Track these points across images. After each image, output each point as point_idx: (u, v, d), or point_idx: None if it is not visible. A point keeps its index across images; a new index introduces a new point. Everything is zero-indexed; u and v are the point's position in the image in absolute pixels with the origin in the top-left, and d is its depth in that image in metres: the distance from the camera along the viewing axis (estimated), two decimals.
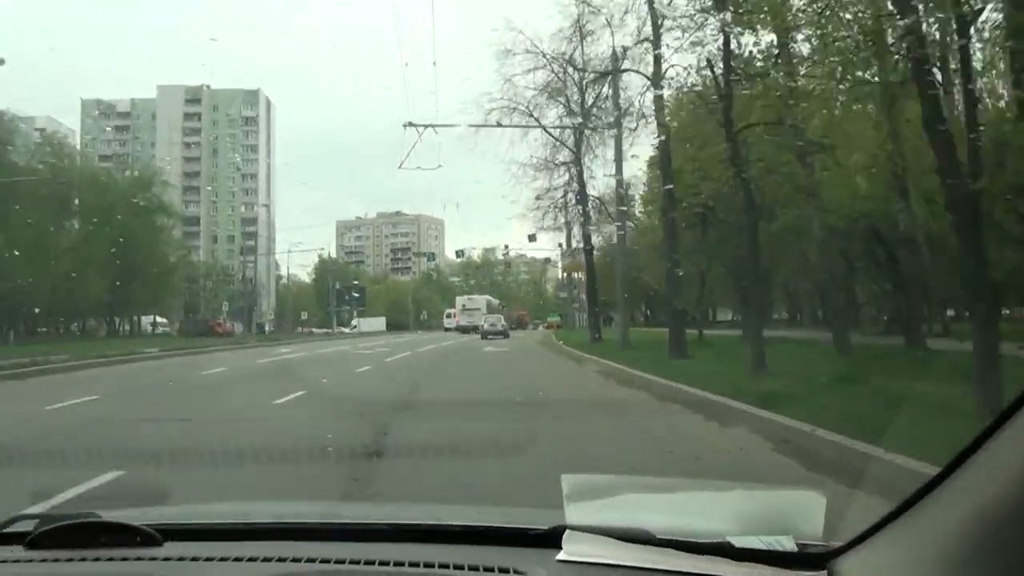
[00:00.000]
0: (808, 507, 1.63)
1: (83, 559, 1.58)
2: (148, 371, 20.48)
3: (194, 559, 1.59)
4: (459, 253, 77.47)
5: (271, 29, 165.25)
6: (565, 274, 67.06)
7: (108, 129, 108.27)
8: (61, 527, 1.65)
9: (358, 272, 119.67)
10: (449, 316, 73.16)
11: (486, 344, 35.48)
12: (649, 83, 18.47)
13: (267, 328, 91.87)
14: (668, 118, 17.78)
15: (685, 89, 14.51)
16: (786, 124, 12.89)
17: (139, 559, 1.59)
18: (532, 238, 46.15)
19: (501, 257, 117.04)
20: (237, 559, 1.58)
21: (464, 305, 68.51)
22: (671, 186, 17.76)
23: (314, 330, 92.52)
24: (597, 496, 1.81)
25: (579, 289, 64.95)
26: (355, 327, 79.20)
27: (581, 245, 34.02)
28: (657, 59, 17.58)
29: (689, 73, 14.53)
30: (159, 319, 76.34)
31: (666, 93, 16.16)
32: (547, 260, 68.17)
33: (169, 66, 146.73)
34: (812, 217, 16.71)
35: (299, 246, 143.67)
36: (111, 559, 1.58)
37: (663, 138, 17.40)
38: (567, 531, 1.55)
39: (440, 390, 14.09)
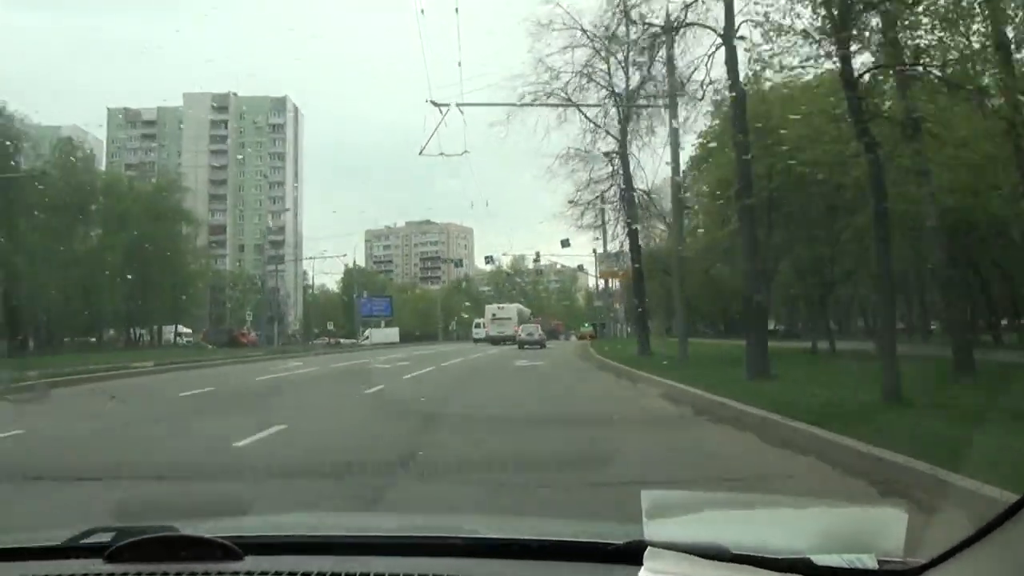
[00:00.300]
0: (889, 524, 1.63)
1: (165, 573, 1.55)
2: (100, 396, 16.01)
3: (277, 573, 1.57)
4: (488, 259, 75.28)
5: (299, 37, 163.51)
6: (601, 281, 64.01)
7: (134, 138, 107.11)
8: (140, 541, 1.62)
9: (386, 281, 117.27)
10: (479, 326, 69.80)
11: (520, 356, 32.04)
12: (719, 38, 15.14)
13: (296, 338, 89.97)
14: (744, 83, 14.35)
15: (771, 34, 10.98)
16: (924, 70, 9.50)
17: (221, 573, 1.56)
18: (566, 243, 43.64)
19: (531, 266, 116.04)
20: (320, 574, 1.58)
21: (495, 314, 65.67)
22: (749, 156, 14.35)
23: (341, 341, 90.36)
24: (676, 512, 1.84)
25: (614, 298, 61.76)
26: (367, 338, 75.82)
27: (621, 247, 30.63)
28: (729, 6, 14.41)
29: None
30: (184, 329, 74.03)
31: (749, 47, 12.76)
32: (579, 267, 64.23)
33: (196, 75, 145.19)
34: (926, 204, 13.21)
35: (324, 254, 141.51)
36: (193, 573, 1.55)
37: (735, 95, 14.04)
38: (648, 548, 1.51)
39: (472, 430, 9.57)
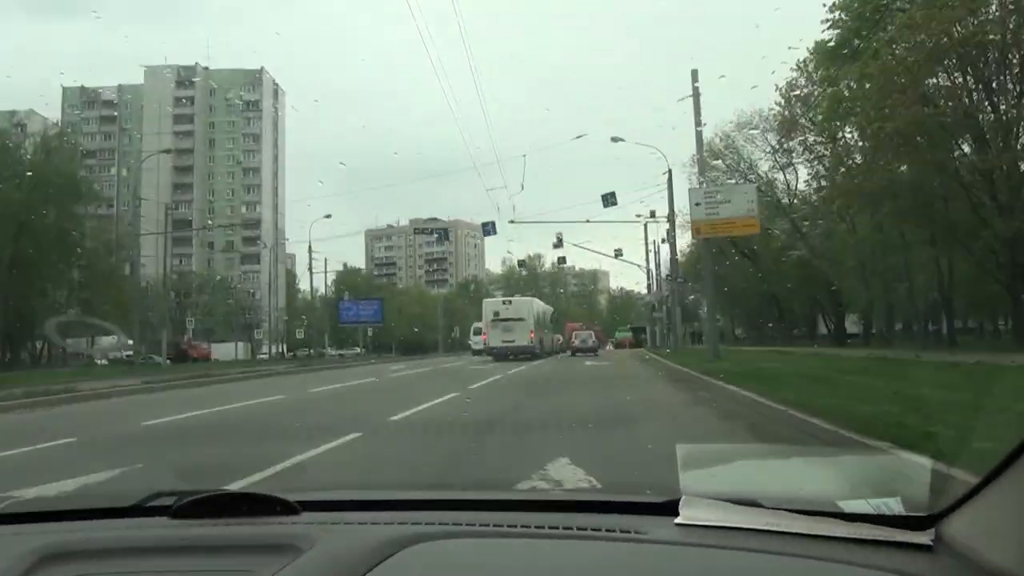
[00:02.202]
0: (914, 472, 1.91)
1: (227, 524, 1.64)
2: None
3: (333, 523, 1.65)
4: (520, 264, 58.48)
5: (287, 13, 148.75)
6: (654, 270, 49.85)
7: (92, 120, 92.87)
8: (203, 499, 1.69)
9: (387, 285, 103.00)
10: (477, 332, 47.61)
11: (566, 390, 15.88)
12: None
13: (276, 350, 76.06)
14: None
15: None
16: None
17: (281, 524, 1.64)
18: (609, 200, 33.89)
19: (551, 266, 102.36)
20: (375, 523, 1.66)
21: (497, 313, 40.16)
22: None
23: (326, 352, 76.38)
24: (709, 464, 2.00)
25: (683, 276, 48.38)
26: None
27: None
28: None
29: None
30: (125, 341, 59.10)
31: None
32: (617, 253, 49.21)
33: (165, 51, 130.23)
34: None
35: (317, 255, 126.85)
36: (254, 524, 1.65)
37: None
38: (683, 497, 1.59)
39: None
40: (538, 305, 45.64)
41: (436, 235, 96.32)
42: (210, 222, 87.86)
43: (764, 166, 43.43)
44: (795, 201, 43.24)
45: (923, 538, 1.40)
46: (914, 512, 1.48)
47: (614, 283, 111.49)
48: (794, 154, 38.49)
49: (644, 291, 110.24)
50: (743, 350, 35.72)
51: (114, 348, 55.11)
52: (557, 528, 1.58)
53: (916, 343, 31.41)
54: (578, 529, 1.57)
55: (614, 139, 34.16)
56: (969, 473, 1.60)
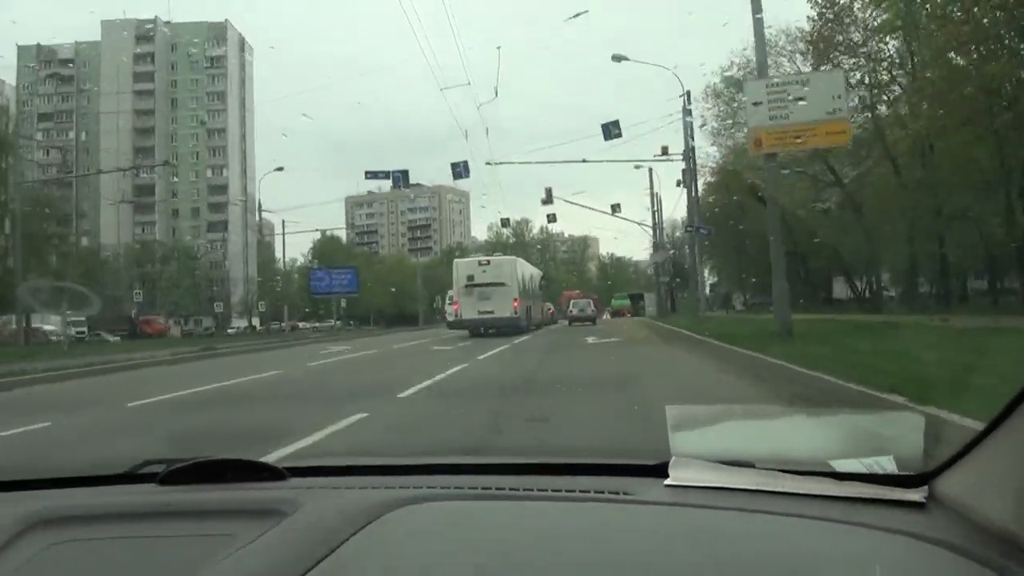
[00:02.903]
0: (907, 430, 1.69)
1: (213, 490, 1.65)
2: None
3: (320, 488, 1.65)
4: (504, 223, 50.52)
5: None
6: (664, 225, 44.71)
7: (49, 80, 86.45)
8: (190, 466, 1.71)
9: (368, 253, 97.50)
10: (451, 301, 37.07)
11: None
12: None
13: (246, 324, 70.82)
14: None
15: None
16: None
17: (267, 489, 1.65)
18: (612, 131, 26.19)
19: (540, 231, 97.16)
20: (362, 488, 1.64)
21: (472, 277, 31.57)
22: None
23: (300, 324, 71.13)
24: (699, 425, 1.94)
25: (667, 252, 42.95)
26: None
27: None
28: None
29: None
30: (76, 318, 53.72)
31: None
32: (614, 209, 39.93)
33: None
34: None
35: (298, 225, 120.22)
36: (240, 490, 1.66)
37: None
38: (673, 458, 1.58)
39: None
40: (523, 267, 35.58)
41: (416, 200, 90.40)
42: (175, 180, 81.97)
43: None
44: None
45: (916, 495, 1.40)
46: (907, 470, 1.48)
47: (604, 249, 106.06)
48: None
49: (639, 257, 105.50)
50: (796, 320, 30.81)
51: (59, 326, 49.76)
52: (545, 491, 1.59)
53: (966, 306, 26.44)
54: (566, 491, 1.57)
55: (616, 58, 27.44)
56: (964, 432, 1.49)
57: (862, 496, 1.40)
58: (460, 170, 27.38)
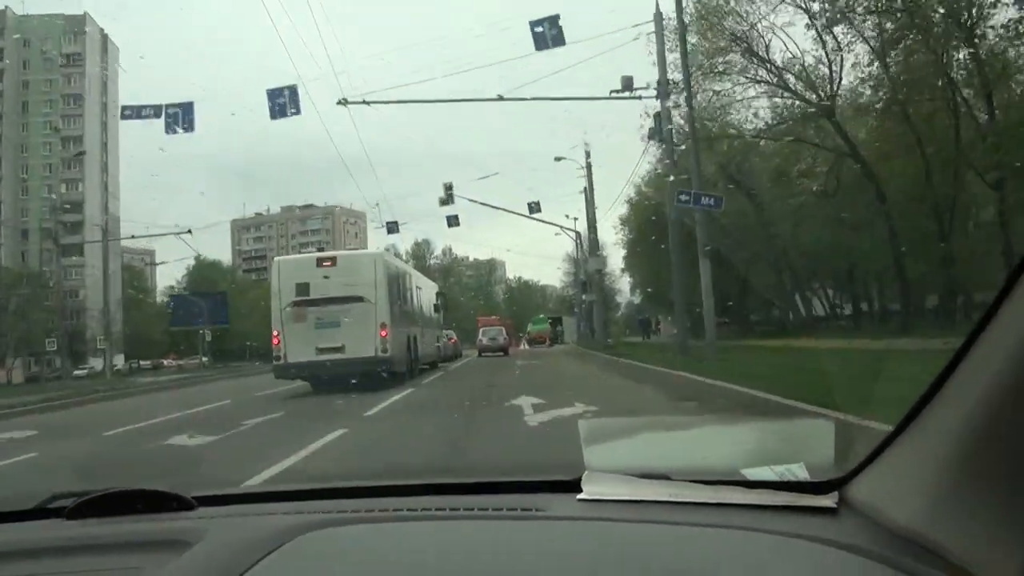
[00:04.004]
0: (817, 436, 1.69)
1: (120, 523, 1.63)
2: None
3: (227, 516, 1.65)
4: (392, 227, 31.11)
5: None
6: (584, 235, 37.28)
7: None
8: (98, 498, 1.68)
9: (252, 281, 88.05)
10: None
11: None
12: None
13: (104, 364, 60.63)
14: None
15: None
16: None
17: (174, 520, 1.63)
18: (545, 38, 16.74)
19: (443, 252, 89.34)
20: (271, 514, 1.64)
21: (307, 287, 18.31)
22: None
23: (165, 362, 61.68)
24: (613, 438, 1.88)
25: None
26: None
27: None
28: None
29: None
30: None
31: None
32: (532, 208, 30.53)
33: None
34: None
35: (182, 252, 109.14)
36: (147, 521, 1.63)
37: None
38: (585, 472, 1.57)
39: None
40: (397, 270, 22.20)
41: (308, 221, 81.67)
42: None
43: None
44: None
45: (827, 501, 1.41)
46: (819, 477, 1.48)
47: (511, 273, 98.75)
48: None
49: (547, 280, 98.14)
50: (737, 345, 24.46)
51: None
52: (457, 509, 1.59)
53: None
54: (479, 510, 1.57)
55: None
56: (875, 437, 1.48)
57: (774, 504, 1.41)
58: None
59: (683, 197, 15.67)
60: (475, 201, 31.69)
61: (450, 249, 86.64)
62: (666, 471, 1.54)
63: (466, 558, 1.34)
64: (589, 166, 33.46)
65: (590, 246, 34.42)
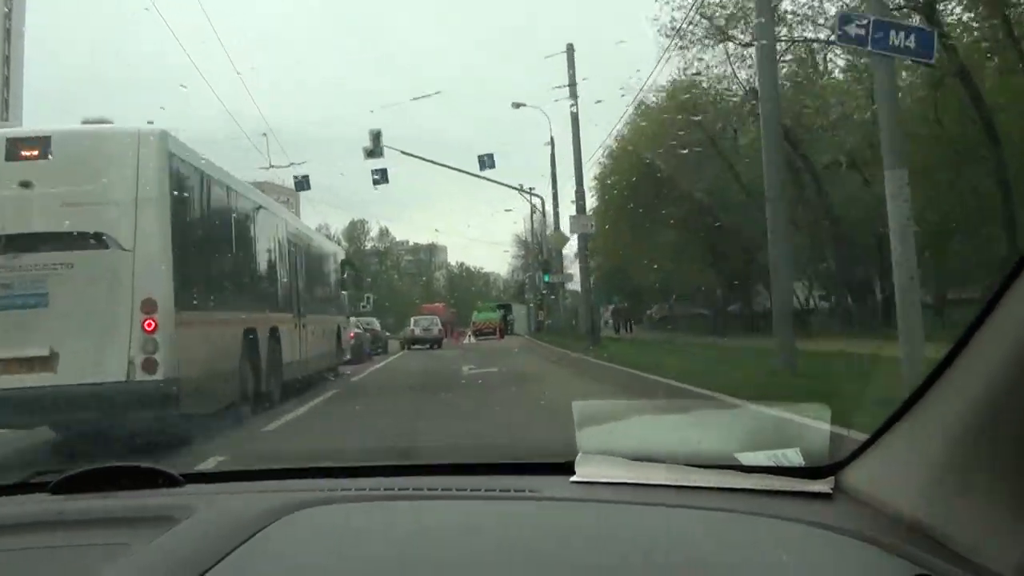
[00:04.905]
0: (813, 423, 1.68)
1: (105, 498, 1.60)
2: None
3: (216, 494, 1.62)
4: (300, 185, 22.21)
5: None
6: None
7: None
8: (83, 473, 1.66)
9: None
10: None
11: None
12: None
13: None
14: None
15: None
16: None
17: (161, 496, 1.60)
18: None
19: (379, 233, 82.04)
20: (260, 492, 1.62)
21: None
22: None
23: None
24: (606, 421, 1.84)
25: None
26: None
27: None
28: None
29: None
30: None
31: None
32: (484, 163, 23.60)
33: None
34: None
35: None
36: (133, 497, 1.60)
37: None
38: (579, 455, 1.57)
39: None
40: (195, 173, 9.31)
41: None
42: None
43: None
44: None
45: (822, 487, 1.41)
46: (814, 462, 1.49)
47: (452, 258, 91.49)
48: None
49: (491, 268, 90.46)
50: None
51: None
52: (450, 490, 1.56)
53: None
54: (471, 491, 1.55)
55: None
56: (870, 423, 1.49)
57: (769, 488, 1.41)
58: None
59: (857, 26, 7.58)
60: (409, 154, 25.26)
61: (387, 230, 79.90)
62: (660, 455, 1.53)
63: (459, 538, 1.34)
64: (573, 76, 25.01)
65: (576, 213, 24.33)
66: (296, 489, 1.58)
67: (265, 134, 23.52)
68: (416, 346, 33.56)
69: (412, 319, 38.07)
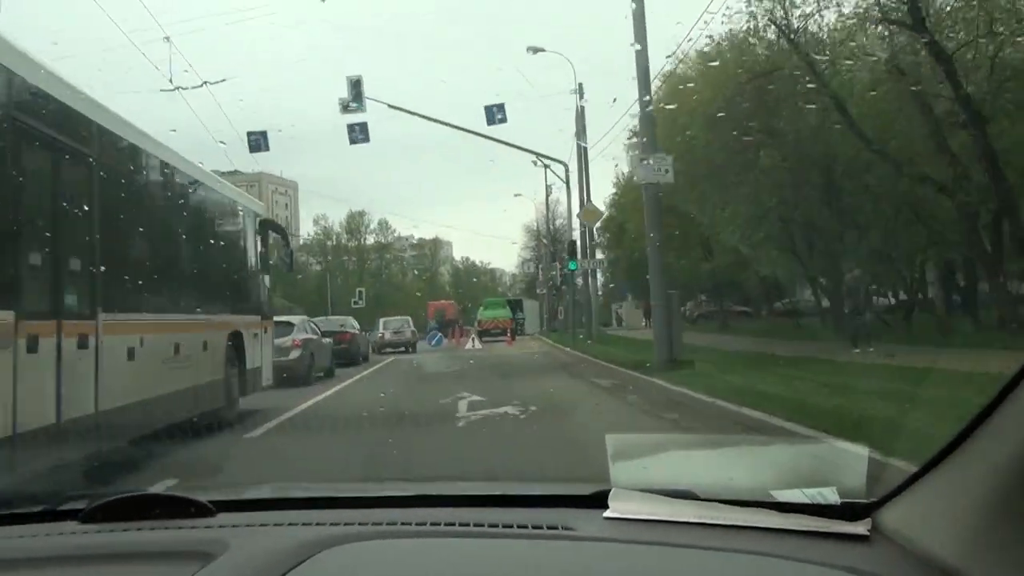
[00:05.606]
0: (850, 461, 1.65)
1: (139, 529, 1.57)
2: None
3: (248, 525, 1.59)
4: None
5: None
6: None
7: None
8: (114, 501, 1.64)
9: None
10: None
11: None
12: None
13: None
14: None
15: None
16: None
17: (194, 528, 1.58)
18: None
19: (378, 226, 79.50)
20: (292, 524, 1.58)
21: None
22: None
23: None
24: (639, 455, 1.87)
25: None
26: None
27: None
28: None
29: None
30: None
31: None
32: (492, 116, 18.79)
33: None
34: None
35: None
36: (166, 528, 1.58)
37: None
38: (613, 490, 1.55)
39: None
40: None
41: None
42: None
43: None
44: None
45: (860, 528, 1.38)
46: (850, 499, 1.45)
47: (458, 253, 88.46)
48: None
49: (498, 264, 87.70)
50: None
51: None
52: (483, 525, 1.54)
53: None
54: (504, 527, 1.52)
55: None
56: (908, 464, 1.46)
57: (805, 529, 1.39)
58: None
59: None
60: (397, 107, 21.40)
61: (387, 223, 76.89)
62: (693, 489, 1.51)
63: None
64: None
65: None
66: (328, 522, 1.56)
67: (168, 37, 17.64)
68: (388, 349, 29.83)
69: (381, 321, 32.45)
